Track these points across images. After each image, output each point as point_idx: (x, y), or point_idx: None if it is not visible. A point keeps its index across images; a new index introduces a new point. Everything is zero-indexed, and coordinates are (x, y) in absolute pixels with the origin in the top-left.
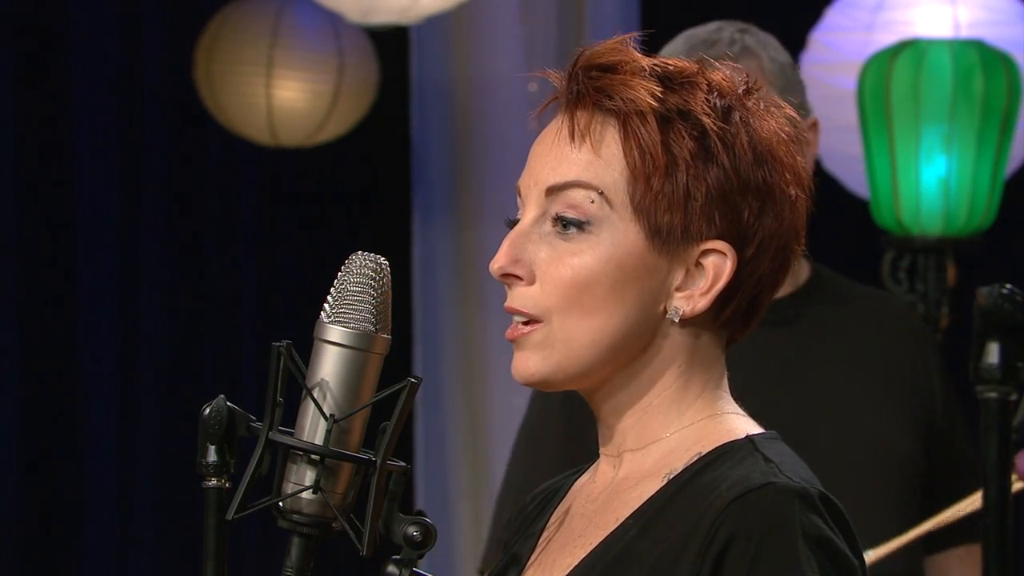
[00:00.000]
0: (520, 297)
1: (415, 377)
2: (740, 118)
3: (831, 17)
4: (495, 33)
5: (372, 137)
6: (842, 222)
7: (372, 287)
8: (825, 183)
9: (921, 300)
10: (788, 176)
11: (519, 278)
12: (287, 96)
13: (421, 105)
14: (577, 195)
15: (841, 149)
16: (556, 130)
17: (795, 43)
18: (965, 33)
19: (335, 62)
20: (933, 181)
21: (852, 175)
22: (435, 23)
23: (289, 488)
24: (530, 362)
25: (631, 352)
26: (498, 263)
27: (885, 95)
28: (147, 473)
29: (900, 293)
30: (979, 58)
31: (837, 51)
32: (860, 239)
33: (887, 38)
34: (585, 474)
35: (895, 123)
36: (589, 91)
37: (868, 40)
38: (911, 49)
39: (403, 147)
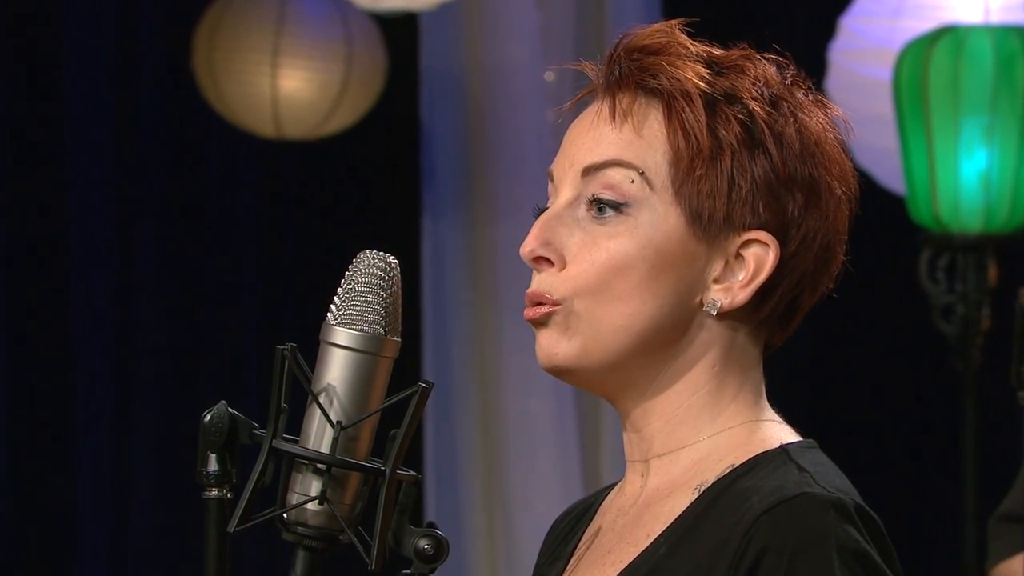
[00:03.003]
0: (545, 282)
1: (426, 382)
2: (788, 109)
3: (861, 2)
4: (510, 20)
5: (380, 129)
6: (875, 219)
7: (381, 287)
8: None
9: (960, 301)
10: (835, 172)
11: (549, 262)
12: (293, 86)
13: (431, 95)
14: (616, 175)
15: (872, 141)
16: (596, 111)
17: (826, 31)
18: (996, 18)
19: (343, 50)
20: (973, 175)
21: (884, 168)
22: (446, 9)
23: (294, 499)
24: (555, 343)
25: (662, 345)
26: (528, 246)
27: (922, 84)
28: (144, 482)
29: (938, 294)
30: (1021, 45)
31: (866, 38)
32: (895, 237)
33: (915, 23)
34: (614, 489)
35: (933, 114)
36: (632, 72)
37: (895, 26)
38: (950, 36)
39: (413, 140)
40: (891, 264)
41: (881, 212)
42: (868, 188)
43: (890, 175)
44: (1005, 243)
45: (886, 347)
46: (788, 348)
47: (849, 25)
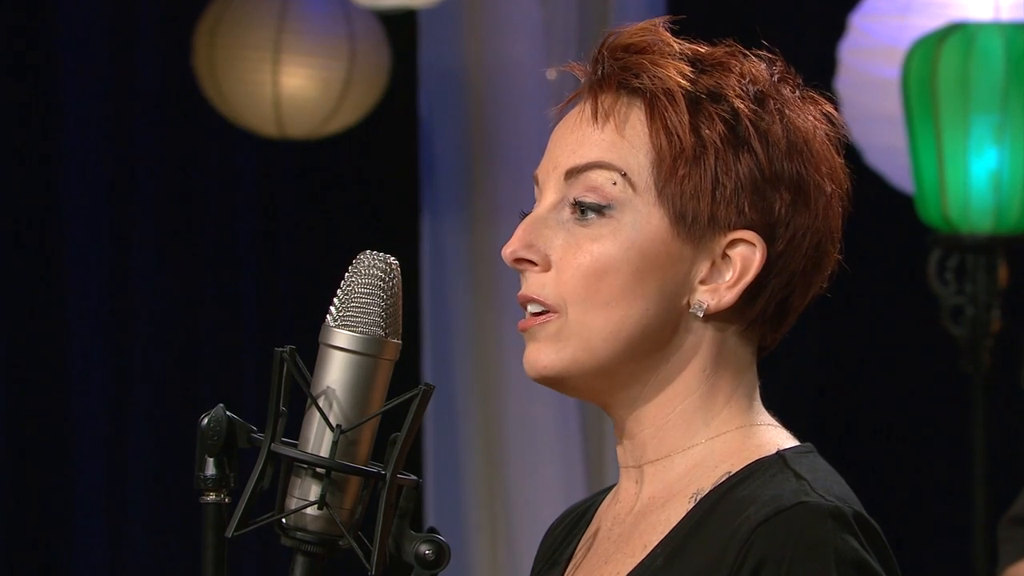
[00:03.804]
0: (535, 284)
1: (427, 385)
2: (775, 106)
3: (871, 0)
4: (511, 16)
5: (378, 128)
6: (884, 219)
7: (381, 288)
8: (864, 177)
9: (970, 303)
10: (824, 170)
11: (533, 263)
12: (295, 84)
13: (431, 93)
14: (598, 177)
15: (881, 140)
16: (578, 112)
17: (835, 29)
18: (1006, 15)
19: (346, 48)
20: (983, 175)
21: (893, 168)
22: (445, 6)
23: (293, 503)
24: (542, 354)
25: (650, 350)
26: (511, 247)
27: (931, 83)
28: (140, 487)
29: (947, 295)
30: None
31: (875, 36)
32: (903, 237)
33: (924, 21)
34: (609, 495)
35: (942, 113)
36: (615, 71)
37: (904, 24)
38: (959, 33)
39: (411, 139)
40: (899, 265)
41: (890, 212)
42: (877, 188)
43: (901, 175)
44: (1015, 244)
45: (894, 349)
46: (794, 350)
47: (858, 23)
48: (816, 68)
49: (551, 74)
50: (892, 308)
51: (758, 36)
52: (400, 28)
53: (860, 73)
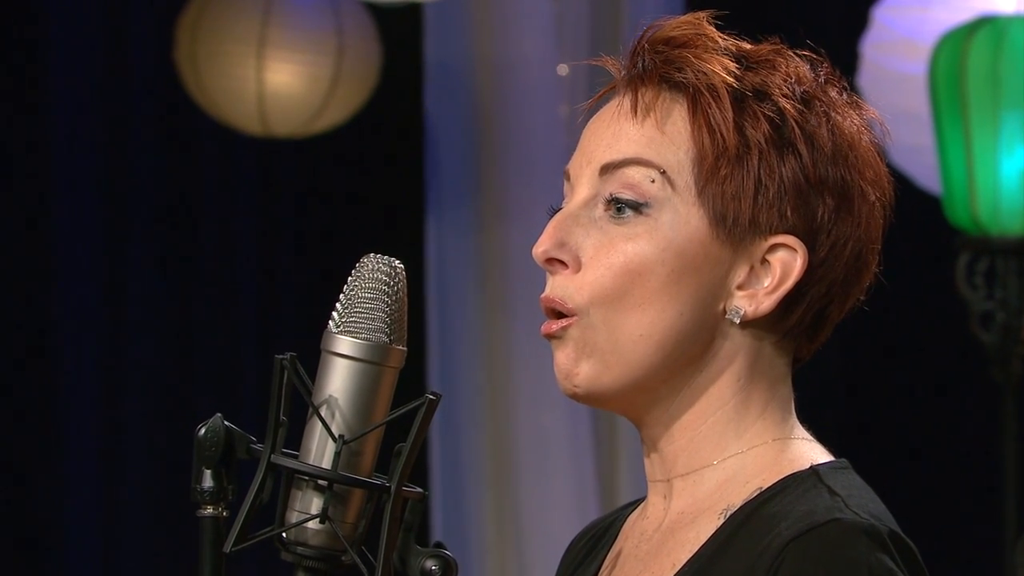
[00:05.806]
0: (560, 286)
1: (433, 393)
2: (821, 108)
3: None
4: (520, 11)
5: (383, 126)
6: (910, 221)
7: (386, 293)
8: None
9: (1000, 308)
10: (869, 177)
11: (564, 264)
12: (280, 80)
13: (437, 90)
14: (636, 174)
15: (906, 139)
16: (616, 106)
17: (858, 23)
18: None
19: (334, 42)
20: (1014, 174)
21: (919, 168)
22: (452, 0)
23: (294, 517)
24: (573, 363)
25: (685, 356)
26: (542, 246)
27: (960, 78)
28: (135, 500)
29: (976, 300)
30: None
31: (896, 30)
32: (931, 240)
33: (947, 15)
34: (636, 510)
35: (971, 110)
36: (657, 65)
37: (926, 17)
38: (989, 27)
39: (417, 137)
40: (927, 269)
41: (916, 214)
42: (902, 189)
43: (927, 175)
44: None
45: (921, 356)
46: (818, 357)
47: (880, 17)
48: (838, 64)
49: (563, 70)
50: (919, 314)
51: (781, 31)
52: (406, 23)
53: (882, 68)
